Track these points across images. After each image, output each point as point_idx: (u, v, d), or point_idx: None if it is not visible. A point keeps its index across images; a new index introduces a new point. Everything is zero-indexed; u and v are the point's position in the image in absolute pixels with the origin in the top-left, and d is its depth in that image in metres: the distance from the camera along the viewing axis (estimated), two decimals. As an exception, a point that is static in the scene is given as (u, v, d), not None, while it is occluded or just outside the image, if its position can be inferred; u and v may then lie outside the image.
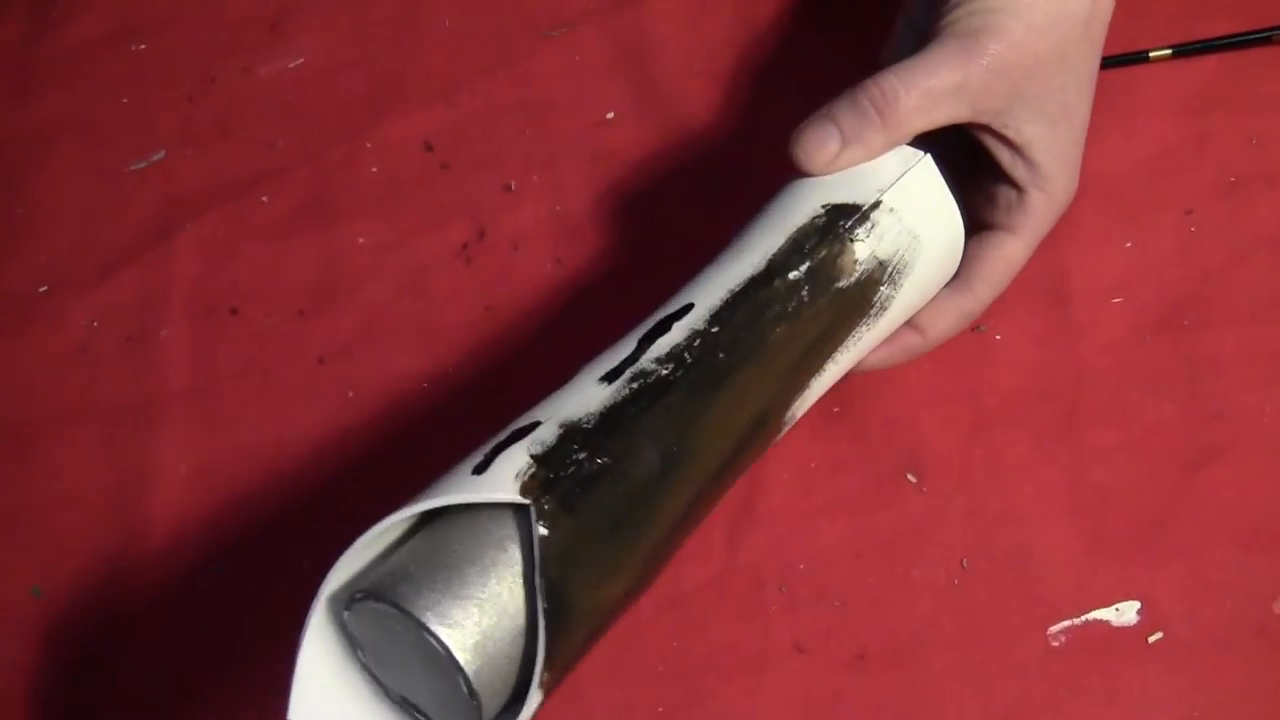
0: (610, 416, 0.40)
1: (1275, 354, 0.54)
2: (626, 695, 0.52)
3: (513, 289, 0.59)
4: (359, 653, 0.40)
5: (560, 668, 0.38)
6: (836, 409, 0.55)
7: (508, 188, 0.61)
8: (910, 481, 0.54)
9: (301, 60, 0.64)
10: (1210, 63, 0.58)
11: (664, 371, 0.42)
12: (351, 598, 0.38)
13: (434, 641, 0.36)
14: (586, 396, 0.41)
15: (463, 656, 0.36)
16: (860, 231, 0.45)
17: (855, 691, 0.51)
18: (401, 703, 0.40)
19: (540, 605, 0.37)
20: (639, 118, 0.62)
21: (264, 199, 0.61)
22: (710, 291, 0.44)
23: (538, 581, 0.37)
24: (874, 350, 0.48)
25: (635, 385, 0.41)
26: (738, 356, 0.43)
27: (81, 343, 0.60)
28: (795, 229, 0.45)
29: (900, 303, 0.47)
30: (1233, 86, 0.58)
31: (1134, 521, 0.52)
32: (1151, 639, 0.51)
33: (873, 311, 0.46)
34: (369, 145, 0.62)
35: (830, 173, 0.46)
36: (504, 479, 0.38)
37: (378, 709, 0.40)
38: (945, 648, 0.51)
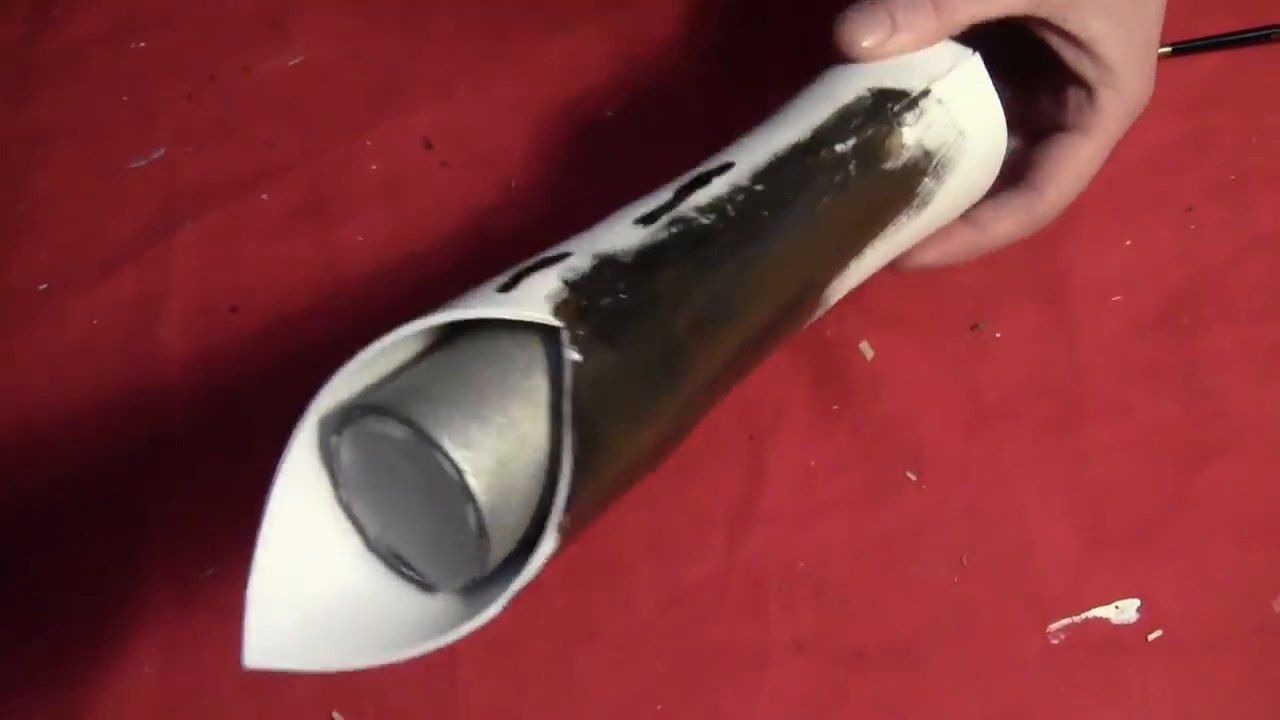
0: (649, 256, 0.37)
1: (1275, 351, 0.54)
2: (626, 693, 0.52)
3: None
4: (340, 492, 0.35)
5: (580, 514, 0.34)
6: (836, 407, 0.55)
7: (508, 186, 0.61)
8: (910, 479, 0.54)
9: (301, 58, 0.64)
10: (1210, 60, 0.58)
11: (705, 220, 0.38)
12: (348, 416, 0.34)
13: (447, 464, 0.32)
14: (623, 235, 0.37)
15: (476, 483, 0.32)
16: (909, 117, 0.43)
17: (855, 689, 0.51)
18: (385, 553, 0.36)
19: (567, 436, 0.33)
20: (639, 116, 0.62)
21: (264, 197, 0.61)
22: (752, 153, 0.41)
23: (565, 409, 0.33)
24: (932, 245, 0.46)
25: (675, 230, 0.38)
26: (783, 218, 0.40)
27: (82, 341, 0.60)
28: (842, 105, 0.42)
29: (942, 199, 0.45)
30: (1233, 84, 0.58)
31: (1133, 519, 0.52)
32: (1151, 637, 0.51)
33: (915, 202, 0.44)
34: (369, 143, 0.62)
35: (876, 59, 0.43)
36: (534, 298, 0.34)
37: (354, 556, 0.36)
38: (945, 645, 0.51)
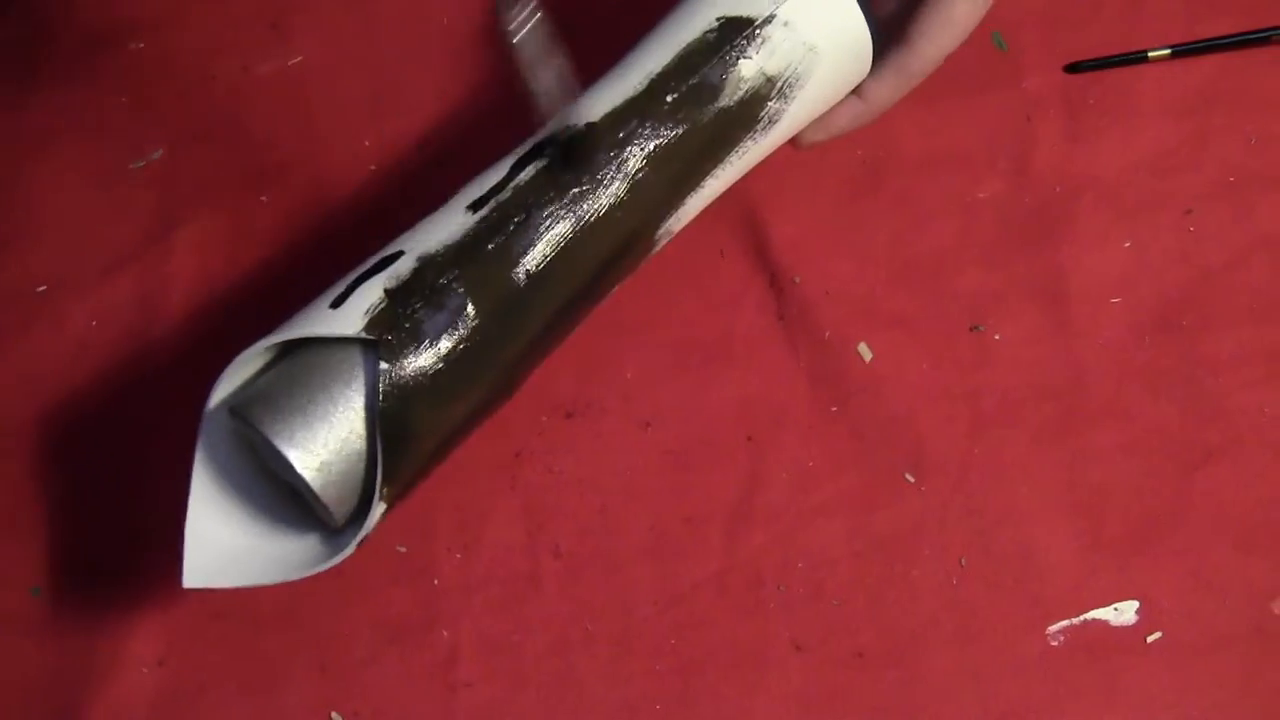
0: (467, 248, 0.43)
1: (1274, 354, 0.54)
2: (625, 693, 0.52)
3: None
4: (254, 448, 0.45)
5: (403, 481, 0.43)
6: (835, 408, 0.55)
7: (507, 187, 0.61)
8: (909, 481, 0.54)
9: (300, 59, 0.64)
10: (1209, 63, 0.58)
11: (530, 199, 0.44)
12: (231, 411, 0.43)
13: (286, 458, 0.41)
14: (451, 226, 0.44)
15: (308, 475, 0.42)
16: (750, 49, 0.45)
17: (853, 690, 0.51)
18: (288, 490, 0.45)
19: (377, 433, 0.42)
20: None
21: (263, 198, 0.61)
22: (589, 110, 0.45)
23: (374, 409, 0.42)
24: (819, 124, 0.48)
25: (496, 215, 0.43)
26: (609, 179, 0.44)
27: (81, 341, 0.59)
28: (684, 45, 0.45)
29: (793, 114, 0.46)
30: (1232, 87, 0.58)
31: (1133, 521, 0.52)
32: (1150, 638, 0.51)
33: (759, 126, 0.46)
34: (368, 144, 0.62)
35: None
36: (354, 315, 0.42)
37: (267, 497, 0.45)
38: (944, 647, 0.51)
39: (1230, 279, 0.55)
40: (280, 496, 0.46)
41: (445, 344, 0.43)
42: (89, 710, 0.53)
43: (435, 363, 0.42)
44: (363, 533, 0.42)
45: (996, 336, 0.55)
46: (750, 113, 0.45)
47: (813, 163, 0.58)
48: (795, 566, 0.53)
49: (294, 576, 0.43)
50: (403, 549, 0.54)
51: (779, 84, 0.45)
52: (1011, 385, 0.54)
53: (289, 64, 0.64)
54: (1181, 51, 0.58)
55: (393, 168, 0.62)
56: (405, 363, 0.42)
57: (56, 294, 0.60)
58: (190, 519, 0.43)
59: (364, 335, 0.42)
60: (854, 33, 0.46)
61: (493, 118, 0.62)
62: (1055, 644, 0.51)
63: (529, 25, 0.40)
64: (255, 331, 0.59)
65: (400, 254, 0.43)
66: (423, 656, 0.53)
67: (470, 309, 0.43)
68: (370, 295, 0.43)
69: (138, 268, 0.60)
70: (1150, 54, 0.58)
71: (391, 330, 0.42)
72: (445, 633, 0.53)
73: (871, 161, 0.58)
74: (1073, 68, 0.58)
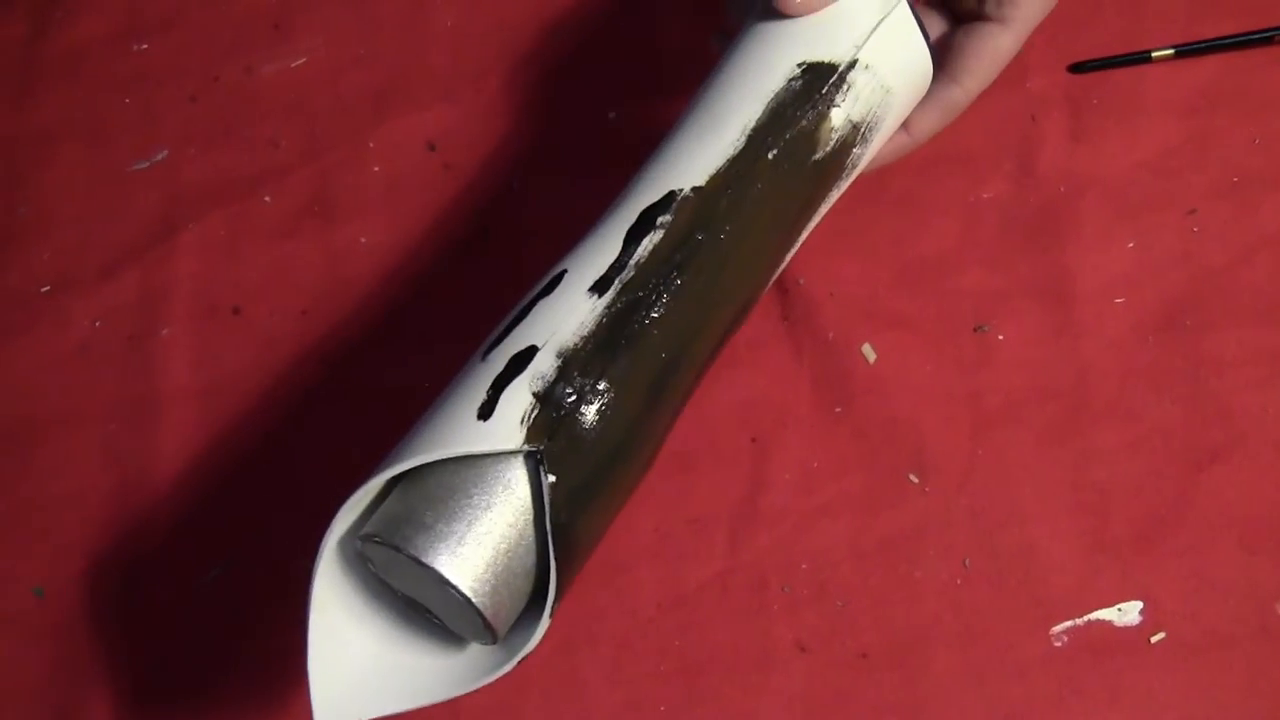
0: (607, 338, 0.40)
1: (1278, 354, 0.54)
2: (629, 694, 0.52)
3: (517, 289, 0.59)
4: (370, 566, 0.41)
5: (565, 592, 0.40)
6: (839, 409, 0.55)
7: (510, 187, 0.61)
8: (912, 482, 0.54)
9: (304, 60, 0.64)
10: (1212, 63, 0.58)
11: (654, 278, 0.41)
12: (367, 537, 0.39)
13: (453, 591, 0.38)
14: (579, 312, 0.40)
15: (480, 602, 0.38)
16: (838, 97, 0.43)
17: (858, 691, 0.51)
18: (419, 606, 0.41)
19: (551, 550, 0.38)
20: (640, 119, 0.62)
21: (266, 199, 0.61)
22: (689, 172, 0.42)
23: (548, 527, 0.38)
24: None
25: (627, 298, 0.41)
26: (725, 249, 0.42)
27: (84, 342, 0.60)
28: (772, 95, 0.43)
29: (868, 156, 0.46)
30: (1235, 87, 0.58)
31: (1136, 521, 0.52)
32: (1154, 639, 0.51)
33: (845, 174, 0.45)
34: (371, 145, 0.62)
35: (806, 13, 0.43)
36: (511, 425, 0.39)
37: (390, 619, 0.42)
38: (948, 647, 0.51)
39: (1234, 279, 0.55)
40: (402, 614, 0.42)
41: (602, 445, 0.39)
42: (89, 710, 0.53)
43: (595, 466, 0.39)
44: (529, 647, 0.39)
45: (1000, 337, 0.55)
46: (840, 162, 0.44)
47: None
48: (799, 567, 0.53)
49: (442, 696, 0.40)
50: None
51: (862, 130, 0.44)
52: (1015, 385, 0.54)
53: (292, 65, 0.64)
54: (1185, 51, 0.58)
55: (396, 169, 0.62)
56: (569, 471, 0.39)
57: (60, 294, 0.60)
58: (312, 656, 0.39)
59: (528, 448, 0.38)
60: (921, 71, 0.45)
61: (496, 118, 0.62)
62: (1059, 644, 0.51)
63: None
64: (258, 333, 0.59)
65: (534, 349, 0.40)
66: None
67: (623, 403, 0.40)
68: (520, 401, 0.39)
69: (141, 268, 0.61)
70: (1154, 54, 0.58)
71: (551, 439, 0.39)
72: (449, 633, 0.53)
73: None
74: (1077, 68, 0.58)
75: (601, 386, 0.39)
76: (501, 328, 0.41)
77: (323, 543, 0.39)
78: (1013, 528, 0.52)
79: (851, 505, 0.54)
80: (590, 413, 0.39)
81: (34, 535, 0.57)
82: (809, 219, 0.45)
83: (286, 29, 0.65)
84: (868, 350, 0.55)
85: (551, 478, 0.38)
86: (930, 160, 0.58)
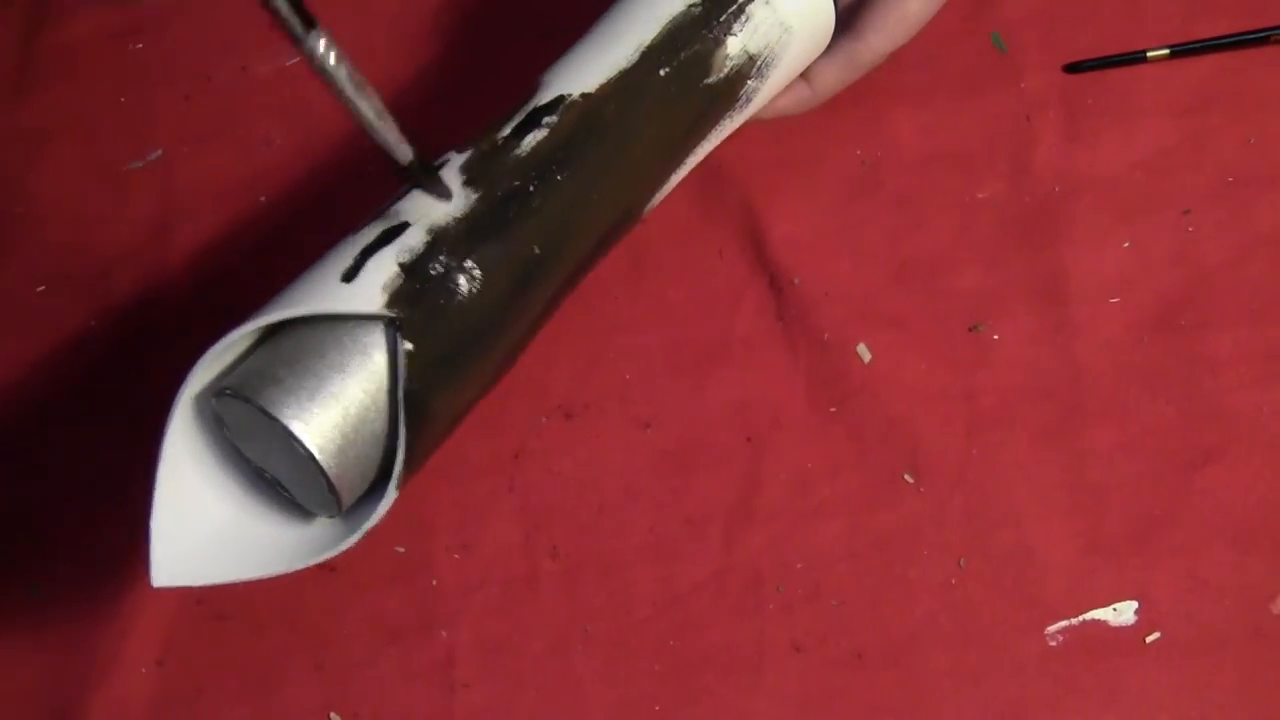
0: (478, 222, 0.41)
1: (1273, 354, 0.54)
2: (623, 694, 0.52)
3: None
4: (225, 430, 0.41)
5: (415, 467, 0.41)
6: (833, 409, 0.55)
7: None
8: (907, 481, 0.54)
9: (299, 59, 0.64)
10: (1208, 63, 0.58)
11: (533, 171, 0.42)
12: (220, 391, 0.40)
13: (299, 446, 0.38)
14: (455, 195, 0.42)
15: (325, 460, 0.39)
16: (736, 26, 0.45)
17: (852, 691, 0.51)
18: (268, 479, 0.42)
19: (401, 417, 0.39)
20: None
21: (261, 198, 0.61)
22: (580, 80, 0.44)
23: (399, 394, 0.39)
24: (766, 105, 0.48)
25: (504, 188, 0.42)
26: (606, 154, 0.43)
27: (79, 342, 0.59)
28: (670, 18, 0.45)
29: (764, 93, 0.47)
30: (1230, 87, 0.58)
31: (1132, 521, 0.52)
32: (1149, 639, 0.51)
33: (738, 104, 0.46)
34: (367, 144, 0.62)
35: None
36: (372, 290, 0.39)
37: (242, 487, 0.42)
38: (943, 648, 0.51)
39: (1229, 279, 0.55)
40: (252, 486, 0.43)
41: (462, 322, 0.41)
42: (88, 710, 0.53)
43: (454, 342, 0.40)
44: (374, 519, 0.40)
45: (995, 337, 0.55)
46: (733, 90, 0.46)
47: (811, 163, 0.58)
48: (794, 567, 0.53)
49: (284, 569, 0.40)
50: (401, 549, 0.54)
51: (758, 63, 0.46)
52: (1010, 385, 0.54)
53: (288, 64, 0.64)
54: (1180, 51, 0.58)
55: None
56: (426, 342, 0.40)
57: (55, 294, 0.60)
58: (156, 512, 0.40)
59: (386, 313, 0.39)
60: (823, 15, 0.47)
61: (493, 116, 0.62)
62: (1054, 644, 0.51)
63: (333, 57, 0.39)
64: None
65: (406, 224, 0.41)
66: (421, 657, 0.53)
67: (488, 286, 0.41)
68: (384, 269, 0.40)
69: (137, 268, 0.61)
70: (1149, 54, 0.58)
71: (411, 308, 0.39)
72: (444, 633, 0.53)
73: (870, 161, 0.58)
74: (1072, 68, 0.58)
75: (468, 265, 0.40)
76: (383, 205, 0.42)
77: (178, 394, 0.40)
78: (1008, 527, 0.53)
79: (846, 505, 0.54)
80: (454, 290, 0.40)
81: (32, 534, 0.56)
82: (696, 141, 0.46)
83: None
84: (863, 350, 0.55)
85: (408, 345, 0.39)
86: (925, 160, 0.58)
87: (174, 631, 0.54)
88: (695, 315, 0.57)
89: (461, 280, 0.40)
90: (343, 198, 0.61)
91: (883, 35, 0.49)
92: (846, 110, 0.57)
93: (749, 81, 0.46)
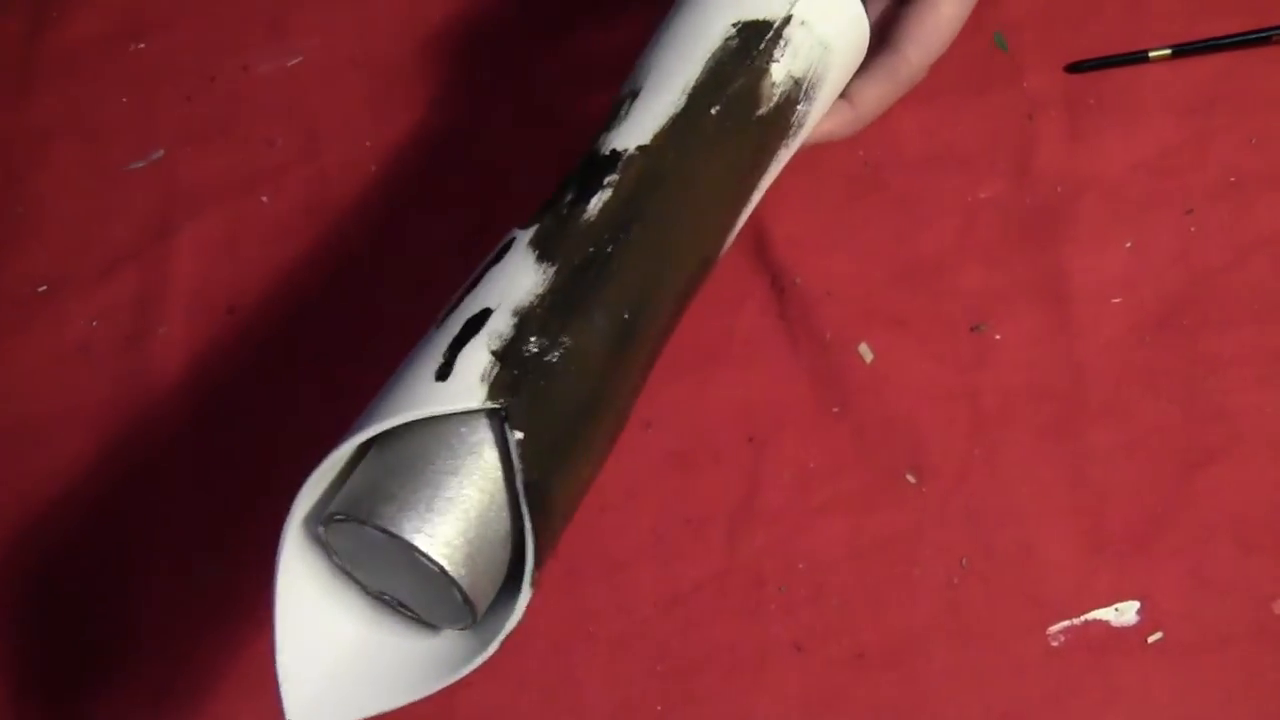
0: (560, 295, 0.39)
1: (1275, 354, 0.54)
2: (625, 694, 0.52)
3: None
4: (334, 557, 0.39)
5: (545, 559, 0.38)
6: (836, 409, 0.55)
7: (507, 187, 0.61)
8: (909, 481, 0.54)
9: (300, 59, 0.64)
10: (1210, 63, 0.58)
11: (605, 235, 0.40)
12: (329, 517, 0.37)
13: (426, 562, 0.36)
14: (531, 272, 0.40)
15: (455, 571, 0.36)
16: (776, 52, 0.43)
17: (854, 691, 0.51)
18: (387, 599, 0.40)
19: (525, 511, 0.37)
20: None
21: (263, 198, 0.61)
22: (632, 133, 0.42)
23: (520, 487, 0.37)
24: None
25: (580, 256, 0.40)
26: (674, 205, 0.42)
27: (80, 342, 0.59)
28: (709, 54, 0.43)
29: (813, 117, 0.46)
30: (1233, 86, 0.58)
31: (1134, 521, 0.52)
32: (1151, 639, 0.51)
33: (791, 131, 0.45)
34: (368, 144, 0.62)
35: None
36: (470, 383, 0.37)
37: (363, 609, 0.40)
38: (944, 647, 0.51)
39: (1231, 279, 0.55)
40: (370, 609, 0.40)
41: (567, 400, 0.38)
42: (89, 710, 0.53)
43: (562, 422, 0.38)
44: (511, 624, 0.37)
45: (997, 336, 0.55)
46: (784, 118, 0.44)
47: (813, 163, 0.58)
48: (796, 567, 0.53)
49: (425, 691, 0.38)
50: (403, 549, 0.54)
51: (804, 86, 0.44)
52: (1012, 385, 0.54)
53: (289, 64, 0.64)
54: (1182, 51, 0.58)
55: (393, 168, 0.62)
56: (535, 427, 0.37)
57: (56, 294, 0.60)
58: (280, 652, 0.37)
59: (490, 405, 0.37)
60: (858, 30, 0.46)
61: (493, 118, 0.62)
62: (1056, 644, 0.51)
63: None
64: (254, 333, 0.59)
65: (488, 311, 0.39)
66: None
67: (585, 359, 0.38)
68: (478, 360, 0.37)
69: (138, 268, 0.61)
70: (1151, 54, 0.58)
71: (513, 395, 0.37)
72: (445, 633, 0.53)
73: (872, 161, 0.58)
74: (1074, 67, 0.58)
75: (561, 340, 0.38)
76: (455, 297, 0.40)
77: (285, 526, 0.37)
78: (1010, 527, 0.52)
79: (848, 505, 0.54)
80: (552, 368, 0.38)
81: (31, 534, 0.56)
82: (758, 177, 0.45)
83: (283, 28, 0.65)
84: (865, 350, 0.55)
85: (518, 434, 0.37)
86: (927, 160, 0.58)
87: (176, 631, 0.54)
88: (697, 315, 0.56)
89: (557, 357, 0.38)
90: (344, 198, 0.61)
91: (921, 47, 0.48)
92: (848, 110, 0.57)
93: (798, 106, 0.44)
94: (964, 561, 0.52)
